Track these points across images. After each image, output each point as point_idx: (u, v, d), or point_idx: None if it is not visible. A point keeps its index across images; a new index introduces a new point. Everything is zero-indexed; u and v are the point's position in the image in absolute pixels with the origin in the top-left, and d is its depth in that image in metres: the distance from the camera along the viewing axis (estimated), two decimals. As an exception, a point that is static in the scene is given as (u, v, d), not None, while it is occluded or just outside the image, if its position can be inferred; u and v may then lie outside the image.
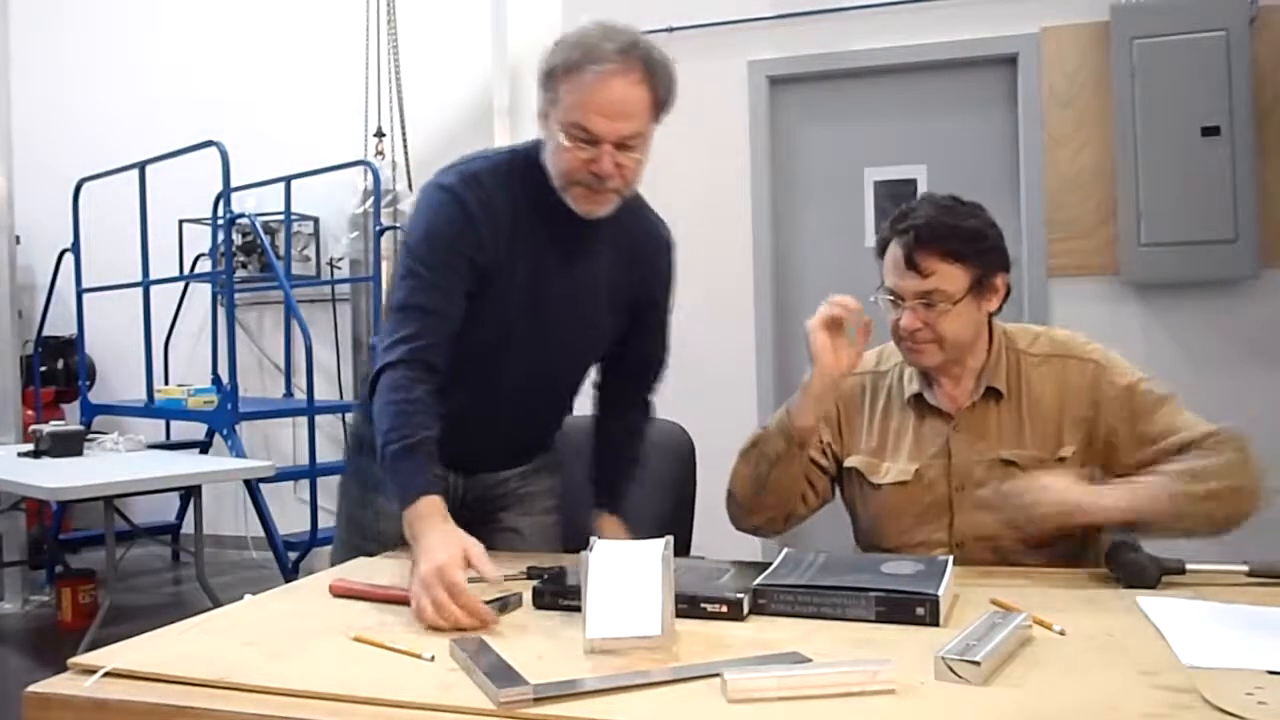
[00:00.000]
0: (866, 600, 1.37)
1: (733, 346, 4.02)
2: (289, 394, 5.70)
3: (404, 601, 1.50)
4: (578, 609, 1.30)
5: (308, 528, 4.85)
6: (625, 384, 1.98)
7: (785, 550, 1.59)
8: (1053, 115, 3.82)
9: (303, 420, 5.21)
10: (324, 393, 5.55)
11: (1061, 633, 1.29)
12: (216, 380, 5.50)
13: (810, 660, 1.20)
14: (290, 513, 5.17)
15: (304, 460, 5.09)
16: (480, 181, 1.72)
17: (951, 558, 1.51)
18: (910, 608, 1.35)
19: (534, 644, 1.29)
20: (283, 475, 4.85)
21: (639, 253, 1.86)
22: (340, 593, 1.56)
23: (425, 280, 1.69)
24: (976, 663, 1.11)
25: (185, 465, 4.35)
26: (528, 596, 1.49)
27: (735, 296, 4.04)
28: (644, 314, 1.91)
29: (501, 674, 1.15)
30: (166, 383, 5.83)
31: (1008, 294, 1.79)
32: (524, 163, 1.74)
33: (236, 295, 5.15)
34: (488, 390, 1.80)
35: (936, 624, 1.33)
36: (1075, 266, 3.78)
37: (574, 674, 1.16)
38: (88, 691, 1.17)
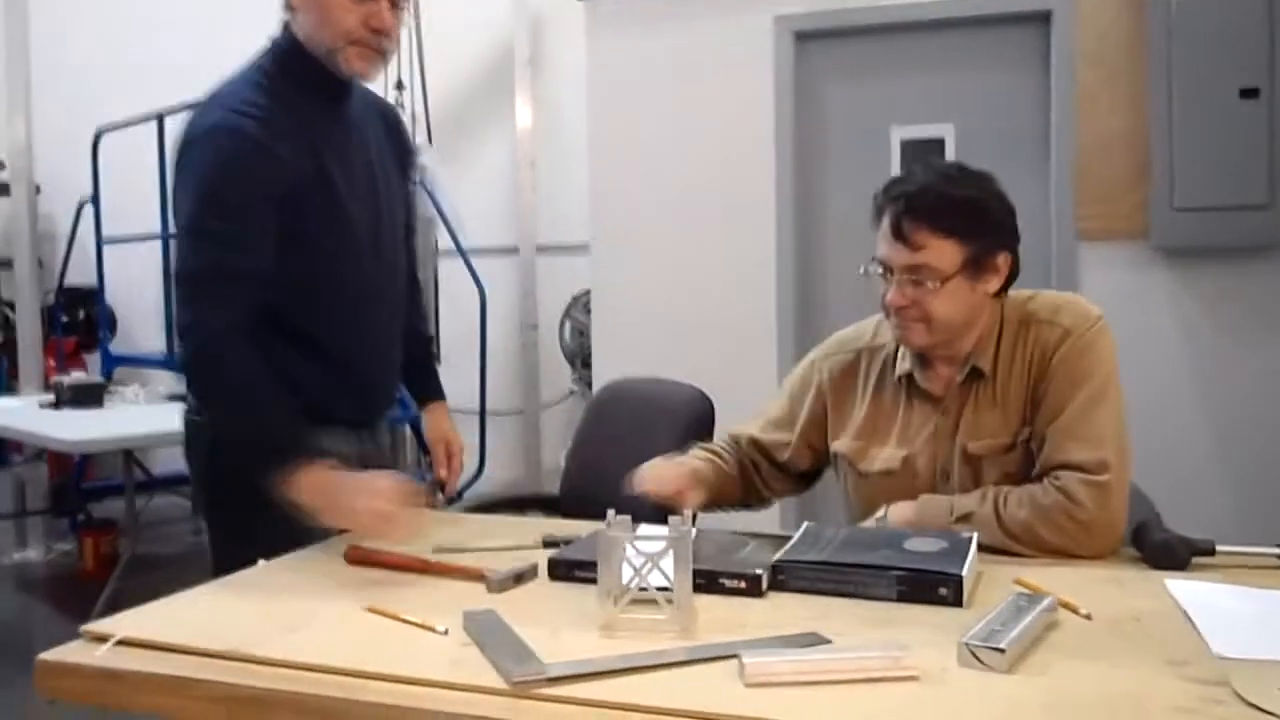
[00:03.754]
0: (888, 579, 1.34)
1: (754, 309, 3.95)
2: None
3: (422, 569, 1.49)
4: (594, 581, 1.28)
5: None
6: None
7: (805, 524, 1.56)
8: (1085, 75, 3.72)
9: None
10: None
11: (1088, 617, 1.26)
12: (236, 332, 5.50)
13: (829, 641, 1.18)
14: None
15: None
16: (254, 103, 1.66)
17: (976, 534, 1.48)
18: (933, 588, 1.32)
19: (549, 617, 1.28)
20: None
21: (388, 118, 1.94)
22: (357, 560, 1.55)
23: (223, 236, 1.62)
24: (1001, 650, 1.09)
25: (205, 418, 4.34)
26: (543, 567, 1.48)
27: (758, 258, 3.97)
28: (407, 179, 1.98)
29: (515, 653, 1.13)
30: (187, 334, 5.83)
31: (1013, 274, 1.65)
32: (275, 65, 1.74)
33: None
34: (355, 307, 1.74)
35: (959, 604, 1.31)
36: (1104, 230, 3.70)
37: (589, 652, 1.14)
38: (99, 661, 1.17)
